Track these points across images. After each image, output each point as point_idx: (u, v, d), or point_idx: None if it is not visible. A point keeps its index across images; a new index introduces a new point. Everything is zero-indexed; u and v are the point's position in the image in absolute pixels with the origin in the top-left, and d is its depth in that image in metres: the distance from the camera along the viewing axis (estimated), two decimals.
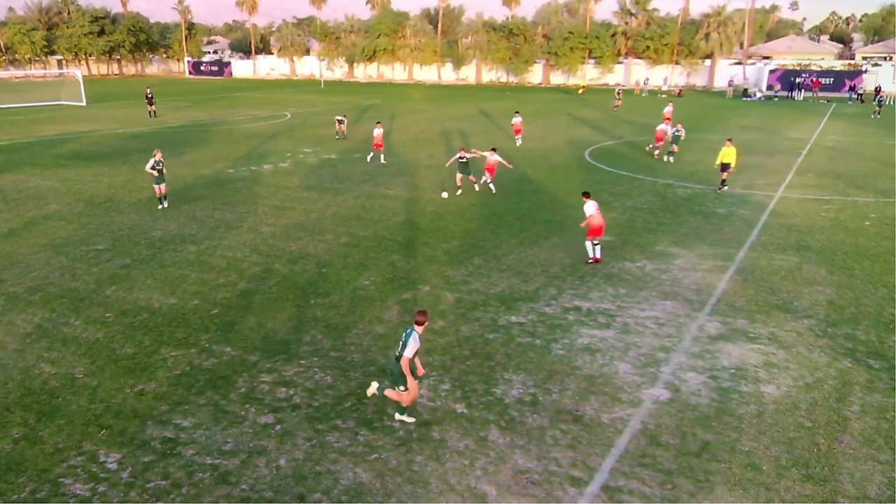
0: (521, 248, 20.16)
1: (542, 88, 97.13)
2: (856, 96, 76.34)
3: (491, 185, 27.25)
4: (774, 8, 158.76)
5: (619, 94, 68.72)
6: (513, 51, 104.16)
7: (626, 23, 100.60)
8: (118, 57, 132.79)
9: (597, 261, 18.64)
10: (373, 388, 10.95)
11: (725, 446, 10.34)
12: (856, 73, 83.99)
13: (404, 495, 9.20)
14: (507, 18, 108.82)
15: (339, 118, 43.32)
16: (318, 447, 10.25)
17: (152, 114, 55.06)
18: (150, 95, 56.32)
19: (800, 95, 79.61)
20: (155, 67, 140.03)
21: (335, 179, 30.49)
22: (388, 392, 10.80)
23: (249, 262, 18.92)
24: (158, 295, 16.41)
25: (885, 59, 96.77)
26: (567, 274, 17.96)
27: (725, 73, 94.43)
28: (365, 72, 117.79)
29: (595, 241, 18.58)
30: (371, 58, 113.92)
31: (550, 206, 25.49)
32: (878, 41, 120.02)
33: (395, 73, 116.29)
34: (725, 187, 28.07)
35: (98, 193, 25.99)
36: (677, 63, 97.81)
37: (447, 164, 28.54)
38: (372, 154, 35.15)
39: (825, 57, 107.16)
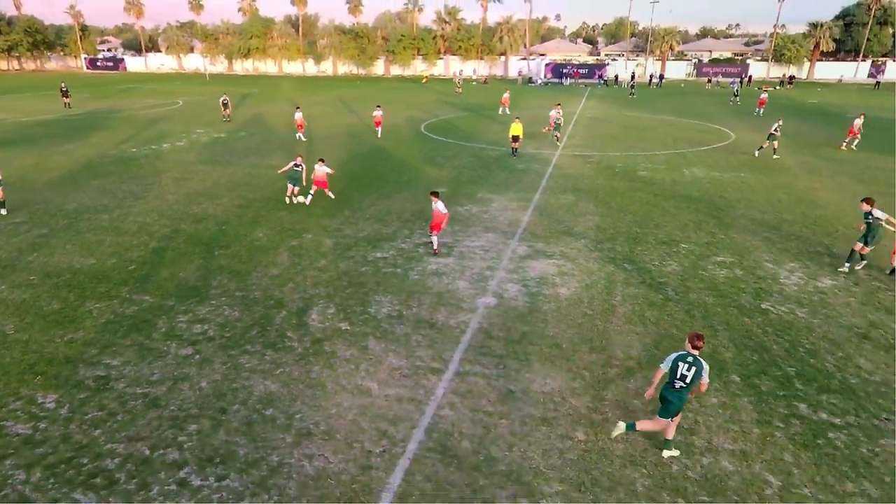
0: (379, 202, 19.66)
1: (385, 79, 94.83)
2: (603, 82, 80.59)
3: (330, 194, 19.33)
4: (545, 19, 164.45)
5: (459, 82, 66.98)
6: (360, 49, 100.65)
7: (443, 28, 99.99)
8: (17, 55, 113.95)
9: (435, 252, 14.79)
10: (619, 428, 7.73)
11: (537, 334, 10.73)
12: (602, 66, 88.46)
13: (307, 398, 8.81)
14: (354, 24, 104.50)
15: (223, 101, 39.34)
16: (232, 369, 9.55)
17: (67, 105, 47.67)
18: (64, 89, 48.25)
19: (567, 82, 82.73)
20: (54, 64, 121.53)
21: (225, 154, 28.12)
22: (644, 425, 7.71)
23: (158, 224, 17.10)
24: (78, 257, 14.48)
25: (620, 55, 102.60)
26: (416, 219, 17.75)
27: (515, 66, 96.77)
28: (242, 66, 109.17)
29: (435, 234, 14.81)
30: (247, 55, 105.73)
31: (399, 168, 24.99)
32: (614, 42, 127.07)
33: (268, 67, 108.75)
34: (516, 155, 27.35)
35: (10, 174, 22.37)
36: (482, 59, 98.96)
37: (280, 172, 20.46)
38: (300, 134, 32.20)
39: (581, 54, 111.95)
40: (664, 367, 7.45)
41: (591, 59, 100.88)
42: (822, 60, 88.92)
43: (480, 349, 10.22)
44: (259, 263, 14.08)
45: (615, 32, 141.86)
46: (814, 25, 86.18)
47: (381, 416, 8.46)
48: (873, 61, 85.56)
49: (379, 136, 32.55)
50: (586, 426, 8.19)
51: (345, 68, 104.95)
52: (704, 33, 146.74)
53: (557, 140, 30.91)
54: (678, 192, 20.93)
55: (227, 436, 7.95)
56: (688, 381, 7.19)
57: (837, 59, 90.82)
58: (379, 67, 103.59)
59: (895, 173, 23.83)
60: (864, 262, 13.72)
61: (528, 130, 28.75)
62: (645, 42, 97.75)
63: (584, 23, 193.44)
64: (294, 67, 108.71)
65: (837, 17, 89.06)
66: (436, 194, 14.83)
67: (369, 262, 14.20)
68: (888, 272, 13.57)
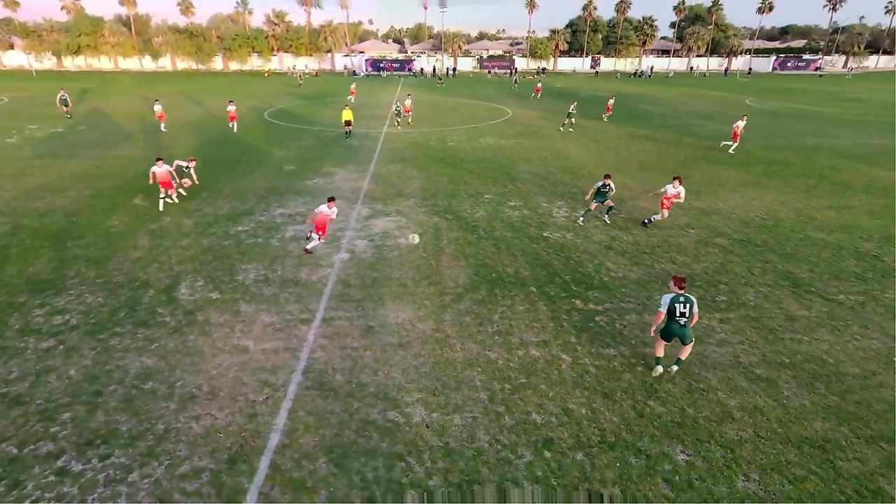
0: (234, 181, 17.35)
1: (225, 73, 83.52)
2: (412, 73, 79.94)
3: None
4: (360, 23, 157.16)
5: (300, 75, 60.97)
6: (197, 47, 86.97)
7: (274, 29, 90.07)
8: None
9: (308, 251, 11.65)
10: (666, 371, 7.28)
11: (386, 278, 10.36)
12: (410, 61, 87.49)
13: (186, 365, 7.53)
14: (188, 24, 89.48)
15: (62, 97, 30.69)
16: (103, 352, 7.79)
17: None
18: None
19: (384, 74, 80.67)
20: None
21: (66, 147, 22.60)
22: (685, 352, 7.22)
23: None
24: None
25: (423, 53, 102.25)
26: (270, 194, 16.04)
27: (340, 61, 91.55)
28: (74, 63, 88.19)
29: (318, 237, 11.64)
30: (77, 51, 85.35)
31: (250, 151, 22.26)
32: (417, 43, 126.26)
33: (102, 63, 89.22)
34: (349, 136, 25.06)
35: None
36: (311, 55, 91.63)
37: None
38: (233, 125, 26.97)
39: (393, 52, 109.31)
40: (663, 310, 6.93)
41: (401, 56, 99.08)
42: (561, 56, 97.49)
43: (341, 297, 9.60)
44: (119, 249, 11.63)
45: (417, 34, 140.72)
46: (553, 31, 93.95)
47: (261, 368, 7.55)
48: (592, 57, 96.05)
49: (235, 130, 26.90)
50: (433, 344, 8.13)
51: (184, 64, 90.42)
52: (482, 36, 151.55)
53: (398, 124, 29.07)
54: (477, 156, 21.55)
55: (105, 416, 6.50)
56: (687, 316, 6.90)
57: (570, 56, 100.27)
58: (218, 63, 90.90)
59: (609, 134, 27.07)
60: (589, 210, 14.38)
61: (359, 114, 27.35)
62: (440, 42, 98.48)
63: (392, 26, 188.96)
64: (131, 63, 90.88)
65: (567, 26, 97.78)
66: (332, 200, 11.58)
67: (231, 237, 12.50)
68: (643, 222, 13.33)
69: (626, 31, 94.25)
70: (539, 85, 48.16)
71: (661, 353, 7.33)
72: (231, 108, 27.67)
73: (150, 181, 14.59)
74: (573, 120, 28.96)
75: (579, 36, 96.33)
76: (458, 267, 10.86)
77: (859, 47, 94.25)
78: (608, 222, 13.62)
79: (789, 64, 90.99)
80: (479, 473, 5.63)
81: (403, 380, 7.28)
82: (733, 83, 64.52)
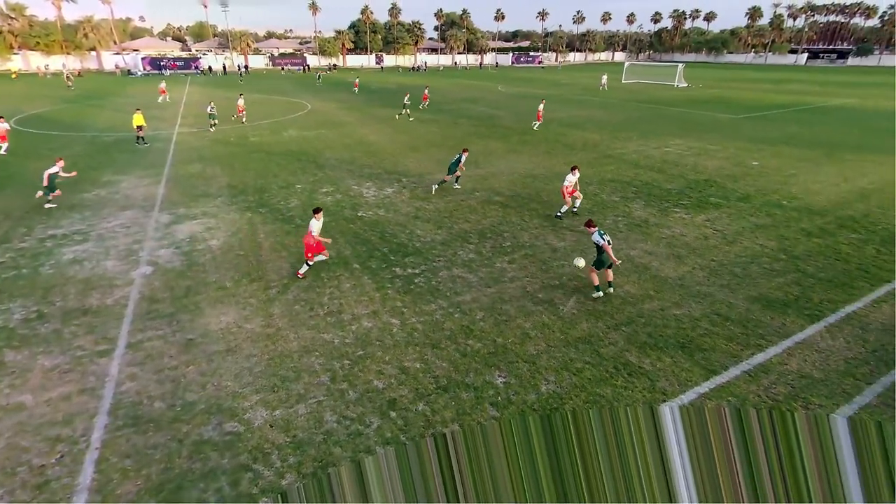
0: None
1: None
2: (200, 71, 67.38)
3: None
4: (129, 19, 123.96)
5: (69, 76, 44.91)
6: None
7: (10, 24, 63.82)
8: None
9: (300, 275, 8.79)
10: (606, 293, 8.14)
11: (201, 283, 8.48)
12: (196, 59, 73.26)
13: None
14: None
15: None
16: None
17: None
18: None
19: (167, 73, 65.80)
20: None
21: None
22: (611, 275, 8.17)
23: None
24: None
25: (209, 51, 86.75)
26: (32, 214, 11.61)
27: (111, 60, 71.01)
28: None
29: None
30: None
31: None
32: (202, 41, 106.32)
33: None
34: (142, 143, 19.36)
35: None
36: (69, 53, 68.58)
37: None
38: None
39: (174, 49, 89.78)
40: (605, 241, 7.76)
41: (185, 54, 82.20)
42: (349, 54, 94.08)
43: (148, 315, 7.49)
44: None
45: (199, 32, 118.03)
46: (338, 32, 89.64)
47: (47, 423, 5.39)
48: (376, 54, 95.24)
49: (3, 151, 17.37)
50: (264, 340, 6.97)
51: None
52: (270, 35, 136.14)
53: (212, 127, 22.92)
54: (283, 149, 19.30)
55: None
56: (609, 243, 7.83)
57: (357, 53, 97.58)
58: None
59: (401, 120, 27.32)
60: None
61: (147, 114, 21.46)
62: (227, 41, 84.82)
63: (169, 24, 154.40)
64: None
65: (350, 27, 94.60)
66: (318, 211, 8.53)
67: None
68: (556, 215, 12.01)
69: (401, 32, 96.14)
70: (357, 81, 44.74)
71: (597, 280, 8.10)
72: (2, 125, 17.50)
73: None
74: (408, 111, 27.74)
75: (362, 36, 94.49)
76: (279, 259, 9.54)
77: (563, 47, 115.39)
78: (458, 187, 14.05)
79: (522, 59, 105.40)
80: (333, 455, 5.03)
81: (237, 385, 6.05)
82: (487, 74, 71.72)
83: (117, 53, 72.38)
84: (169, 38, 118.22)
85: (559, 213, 11.98)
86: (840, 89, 46.03)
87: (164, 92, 34.85)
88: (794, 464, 1.76)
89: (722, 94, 41.33)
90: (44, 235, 10.44)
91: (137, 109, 20.55)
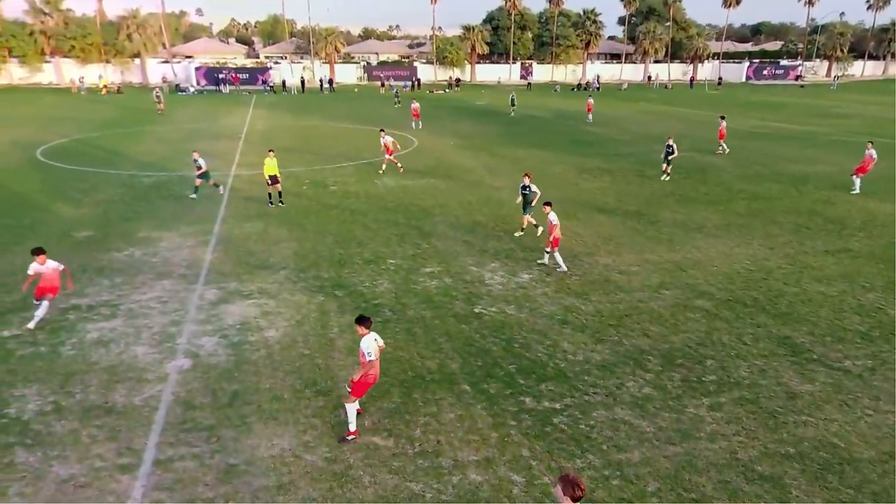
0: None
1: None
2: (269, 88, 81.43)
3: None
4: (184, 13, 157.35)
5: (158, 96, 54.06)
6: None
7: (43, 22, 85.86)
8: None
9: None
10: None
11: (250, 390, 10.44)
12: (265, 69, 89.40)
13: None
14: None
15: None
16: None
17: None
18: None
19: (226, 89, 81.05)
20: None
21: None
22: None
23: None
24: None
25: (283, 57, 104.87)
26: None
27: (157, 70, 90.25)
28: None
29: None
30: None
31: (17, 211, 21.20)
32: (273, 43, 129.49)
33: None
34: (275, 203, 22.04)
35: None
36: (108, 62, 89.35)
37: None
38: None
39: (238, 56, 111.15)
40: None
41: (250, 63, 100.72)
42: (479, 63, 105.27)
43: (182, 425, 9.51)
44: None
45: (272, 32, 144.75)
46: (467, 28, 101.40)
47: None
48: (522, 63, 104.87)
49: None
50: (329, 480, 8.32)
51: None
52: (367, 34, 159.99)
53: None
54: (374, 204, 22.51)
55: None
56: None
57: (493, 61, 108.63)
58: None
59: (549, 166, 29.59)
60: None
61: (191, 148, 27.17)
62: (308, 43, 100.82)
63: (233, 19, 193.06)
64: None
65: (486, 21, 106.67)
66: (363, 322, 9.33)
67: None
68: (540, 261, 16.38)
69: (564, 27, 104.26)
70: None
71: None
72: None
73: None
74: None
75: (502, 35, 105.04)
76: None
77: (842, 51, 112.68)
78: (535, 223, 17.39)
79: (765, 72, 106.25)
80: None
81: None
82: (701, 97, 73.49)
83: (165, 61, 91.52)
84: (231, 41, 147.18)
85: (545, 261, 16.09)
86: None
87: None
88: None
89: None
90: (66, 305, 13.87)
91: (271, 151, 22.36)
